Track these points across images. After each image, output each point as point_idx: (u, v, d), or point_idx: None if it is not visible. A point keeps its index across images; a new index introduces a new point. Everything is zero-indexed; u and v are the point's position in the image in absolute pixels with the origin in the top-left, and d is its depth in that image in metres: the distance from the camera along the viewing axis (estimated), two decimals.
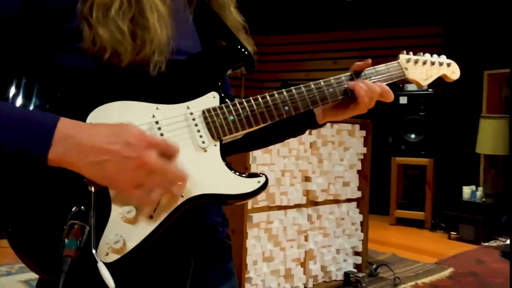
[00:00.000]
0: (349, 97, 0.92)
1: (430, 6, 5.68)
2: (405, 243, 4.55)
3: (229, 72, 0.86)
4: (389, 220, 5.43)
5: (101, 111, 0.73)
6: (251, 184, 0.78)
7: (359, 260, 3.33)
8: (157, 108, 0.77)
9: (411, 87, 5.30)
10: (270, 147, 2.61)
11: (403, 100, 5.33)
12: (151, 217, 0.72)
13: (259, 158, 2.62)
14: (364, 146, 3.35)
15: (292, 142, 2.80)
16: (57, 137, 0.65)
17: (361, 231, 3.36)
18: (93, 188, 0.68)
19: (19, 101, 0.71)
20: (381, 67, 0.96)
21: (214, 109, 0.79)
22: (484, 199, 4.77)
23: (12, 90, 0.71)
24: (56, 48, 0.74)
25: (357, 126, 3.30)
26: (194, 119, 0.78)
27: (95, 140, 0.66)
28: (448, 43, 5.49)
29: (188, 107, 0.79)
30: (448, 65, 1.05)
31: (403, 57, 1.00)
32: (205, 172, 0.77)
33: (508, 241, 4.14)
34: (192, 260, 0.80)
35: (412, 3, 5.80)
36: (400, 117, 5.37)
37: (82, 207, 0.68)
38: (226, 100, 0.81)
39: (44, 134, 0.65)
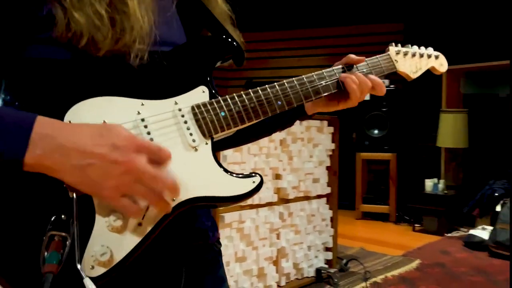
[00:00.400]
0: (342, 90, 0.88)
1: (391, 3, 5.79)
2: (372, 237, 4.62)
3: (218, 64, 0.80)
4: (355, 215, 5.49)
5: (80, 109, 0.66)
6: (246, 185, 0.73)
7: (330, 255, 3.34)
8: (142, 104, 0.70)
9: None
10: None
11: (365, 96, 5.38)
12: (139, 224, 0.65)
13: (229, 156, 2.57)
14: (333, 142, 3.36)
15: (262, 139, 2.76)
16: (34, 137, 0.57)
17: (331, 227, 3.37)
18: (74, 194, 0.61)
19: None
20: (373, 59, 0.94)
21: (204, 104, 0.73)
22: (445, 191, 4.90)
23: None
24: (27, 39, 0.66)
25: (326, 123, 3.30)
26: (183, 116, 0.72)
27: (77, 140, 0.59)
28: (408, 40, 5.60)
29: (176, 103, 0.72)
30: (436, 57, 1.03)
31: (392, 49, 0.98)
32: (197, 173, 0.70)
33: (470, 231, 4.27)
34: (183, 269, 0.74)
35: (373, 1, 5.89)
36: (363, 113, 5.44)
37: (63, 216, 0.60)
38: (216, 95, 0.75)
39: (19, 135, 0.57)
